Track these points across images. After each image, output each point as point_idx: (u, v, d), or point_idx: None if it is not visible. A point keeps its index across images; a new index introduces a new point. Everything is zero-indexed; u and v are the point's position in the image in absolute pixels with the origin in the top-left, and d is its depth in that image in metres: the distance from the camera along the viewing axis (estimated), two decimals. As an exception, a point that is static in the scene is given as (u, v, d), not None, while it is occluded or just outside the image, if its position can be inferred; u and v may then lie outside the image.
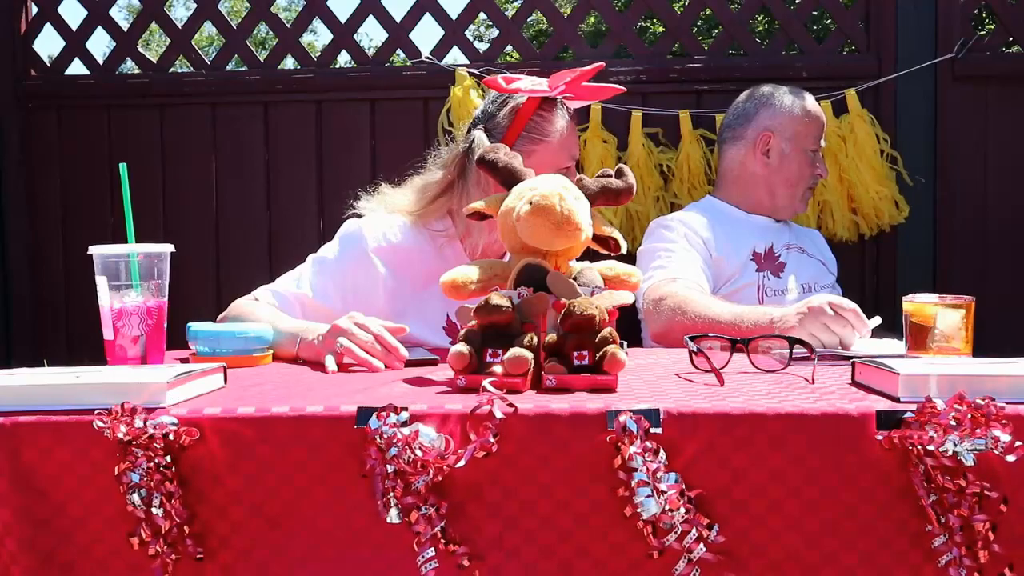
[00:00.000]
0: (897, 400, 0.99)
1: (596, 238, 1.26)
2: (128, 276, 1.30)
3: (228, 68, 2.65)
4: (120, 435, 0.94)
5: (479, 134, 1.67)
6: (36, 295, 2.67)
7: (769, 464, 0.94)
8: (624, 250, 1.29)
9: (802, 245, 2.19)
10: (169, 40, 2.65)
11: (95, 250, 1.32)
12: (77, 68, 2.67)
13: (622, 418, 0.93)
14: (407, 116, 2.54)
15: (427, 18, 2.60)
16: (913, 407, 0.94)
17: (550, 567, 0.95)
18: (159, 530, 0.95)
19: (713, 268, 2.02)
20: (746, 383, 1.14)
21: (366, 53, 2.63)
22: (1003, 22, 2.49)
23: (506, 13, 2.67)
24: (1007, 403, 0.93)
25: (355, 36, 2.65)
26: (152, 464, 0.95)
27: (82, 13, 2.63)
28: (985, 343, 1.37)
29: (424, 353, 1.45)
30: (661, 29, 2.65)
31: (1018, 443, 0.88)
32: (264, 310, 1.61)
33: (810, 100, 2.16)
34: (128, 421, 0.95)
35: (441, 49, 2.57)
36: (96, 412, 0.96)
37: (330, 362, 1.34)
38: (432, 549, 0.93)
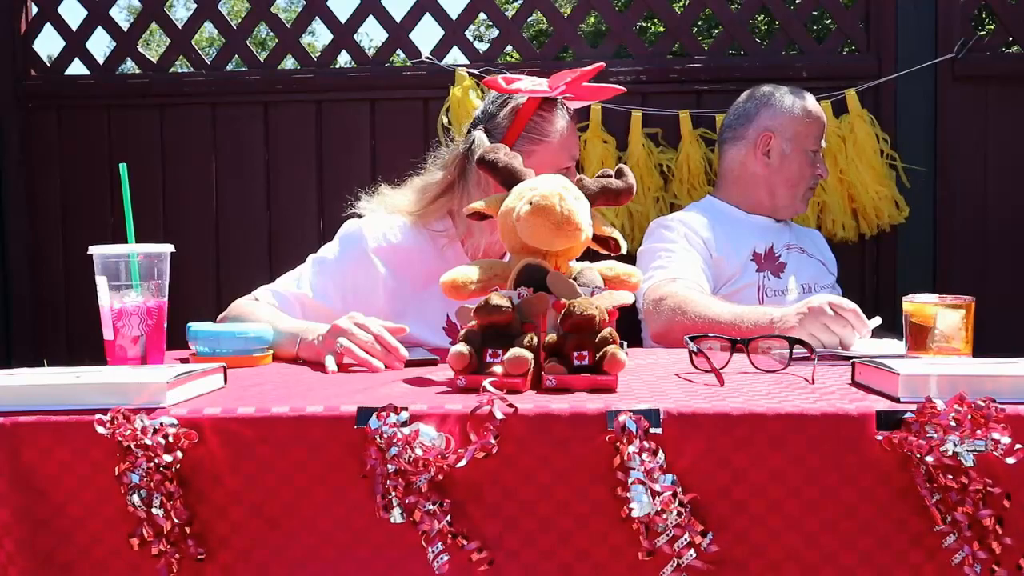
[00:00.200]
0: (897, 400, 0.99)
1: (596, 238, 1.26)
2: (128, 276, 1.30)
3: (228, 68, 2.65)
4: (121, 439, 0.94)
5: (479, 134, 1.67)
6: (36, 295, 2.67)
7: (769, 464, 0.94)
8: (624, 250, 1.29)
9: (802, 245, 2.19)
10: (169, 40, 2.65)
11: (95, 250, 1.32)
12: (77, 68, 2.68)
13: (622, 418, 0.93)
14: (407, 116, 2.54)
15: (427, 18, 2.60)
16: (913, 407, 0.94)
17: (550, 568, 0.95)
18: (161, 530, 0.95)
19: (713, 268, 2.02)
20: (746, 383, 1.14)
21: (366, 53, 2.63)
22: (1003, 22, 2.49)
23: (506, 13, 2.67)
24: (1007, 403, 0.93)
25: (355, 36, 2.65)
26: (152, 464, 0.95)
27: (82, 13, 2.63)
28: (985, 343, 1.37)
29: (424, 353, 1.45)
30: (661, 29, 2.65)
31: (1018, 445, 0.88)
32: (264, 310, 1.61)
33: (811, 100, 2.16)
34: (128, 424, 0.95)
35: (441, 49, 2.57)
36: (96, 417, 0.96)
37: (330, 362, 1.34)
38: (441, 544, 0.93)
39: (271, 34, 3.34)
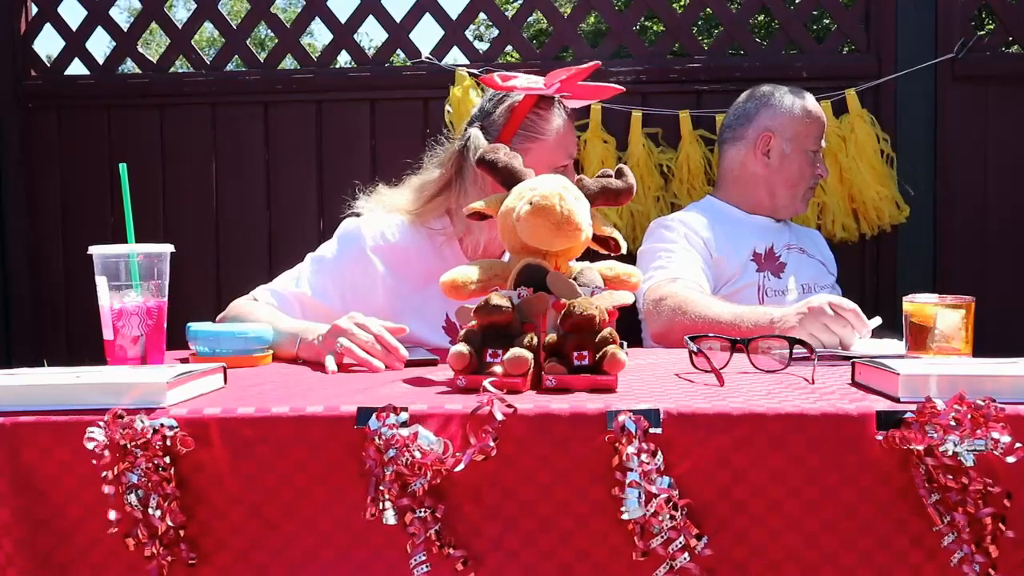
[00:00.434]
0: (897, 400, 0.99)
1: (596, 238, 1.26)
2: (128, 276, 1.30)
3: (228, 68, 2.65)
4: (118, 438, 0.94)
5: (475, 132, 1.67)
6: (36, 295, 2.67)
7: (769, 464, 0.94)
8: (624, 250, 1.29)
9: (802, 245, 2.19)
10: (169, 40, 2.65)
11: (95, 250, 1.32)
12: (77, 68, 2.68)
13: (621, 418, 0.93)
14: (407, 116, 2.54)
15: (427, 18, 2.60)
16: (913, 407, 0.94)
17: (550, 568, 0.95)
18: (155, 531, 0.95)
19: (713, 268, 2.02)
20: (746, 383, 1.14)
21: (366, 53, 2.63)
22: (1003, 22, 2.49)
23: (506, 13, 2.67)
24: (1007, 403, 0.93)
25: (355, 36, 2.65)
26: (151, 465, 0.95)
27: (82, 13, 2.63)
28: (985, 343, 1.37)
29: (424, 353, 1.45)
30: (661, 28, 2.65)
31: (1018, 444, 0.88)
32: (263, 310, 1.61)
33: (811, 100, 2.16)
34: (127, 429, 0.95)
35: (441, 49, 2.57)
36: (94, 422, 0.96)
37: (330, 362, 1.34)
38: (424, 554, 0.93)
39: (271, 34, 3.34)
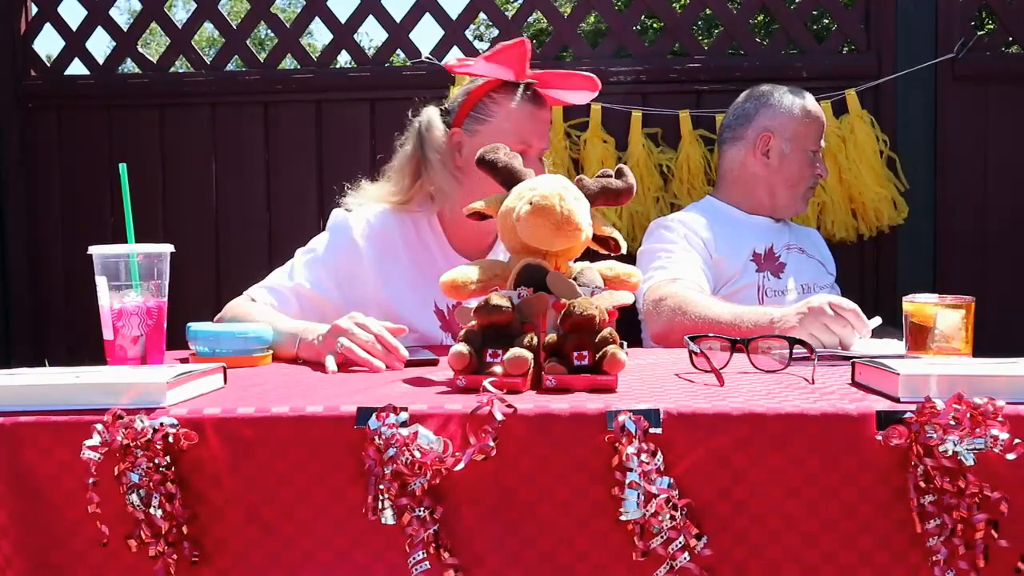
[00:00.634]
0: (897, 400, 0.99)
1: (596, 238, 1.26)
2: (128, 276, 1.30)
3: (228, 68, 2.65)
4: (119, 438, 0.94)
5: (431, 109, 1.76)
6: (36, 295, 2.67)
7: (769, 464, 0.94)
8: (624, 250, 1.29)
9: (802, 245, 2.19)
10: (169, 40, 2.65)
11: (95, 250, 1.32)
12: (77, 68, 2.68)
13: (621, 418, 0.93)
14: (407, 116, 2.54)
15: (427, 18, 2.60)
16: (913, 407, 0.94)
17: (550, 569, 0.95)
18: (159, 531, 0.95)
19: (713, 268, 2.02)
20: (746, 383, 1.14)
21: (366, 53, 2.63)
22: (1003, 22, 2.49)
23: (506, 13, 2.67)
24: (1007, 403, 0.93)
25: (355, 36, 2.65)
26: (152, 464, 0.95)
27: (82, 13, 2.63)
28: (985, 343, 1.37)
29: (424, 353, 1.45)
30: (660, 25, 2.65)
31: (1017, 441, 0.88)
32: (262, 311, 1.61)
33: (810, 100, 2.16)
34: (126, 428, 0.95)
35: (441, 49, 2.57)
36: (94, 422, 0.96)
37: (330, 362, 1.34)
38: (422, 552, 0.93)
39: (271, 34, 3.34)
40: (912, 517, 0.92)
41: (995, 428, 0.88)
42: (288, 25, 2.64)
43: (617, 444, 0.93)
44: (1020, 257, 2.47)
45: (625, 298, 1.22)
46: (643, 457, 0.91)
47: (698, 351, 1.23)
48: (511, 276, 1.18)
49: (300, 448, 0.97)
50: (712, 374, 1.16)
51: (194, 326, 1.44)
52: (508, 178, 1.25)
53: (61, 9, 2.65)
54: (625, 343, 1.18)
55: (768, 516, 0.94)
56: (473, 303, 1.14)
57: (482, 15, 2.65)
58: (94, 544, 0.98)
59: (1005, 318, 2.28)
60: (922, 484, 0.91)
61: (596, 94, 1.76)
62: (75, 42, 2.65)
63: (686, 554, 0.91)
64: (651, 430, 0.93)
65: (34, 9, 2.66)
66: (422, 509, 0.93)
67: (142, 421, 0.96)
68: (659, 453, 0.93)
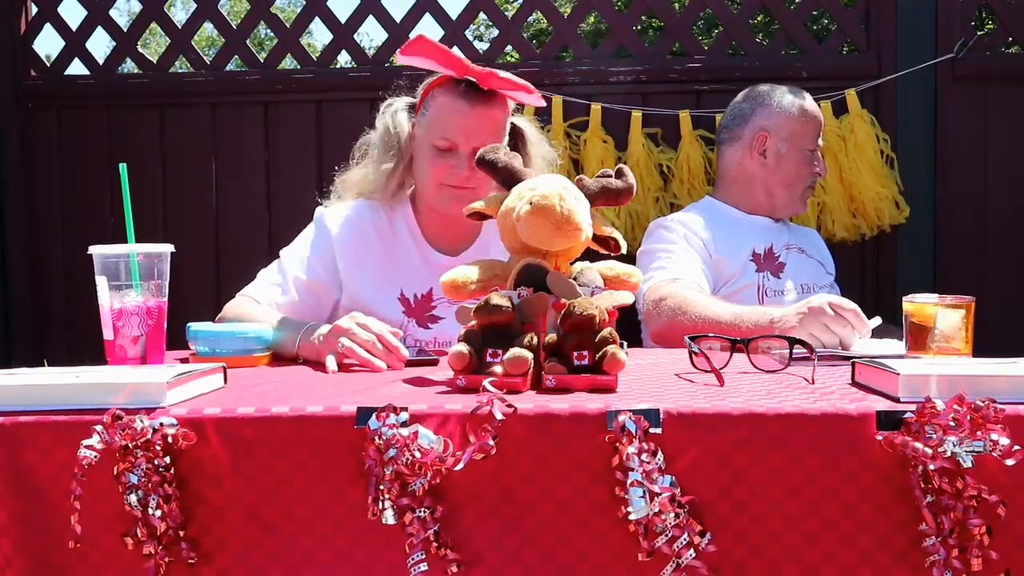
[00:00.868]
0: (897, 400, 0.99)
1: (596, 238, 1.26)
2: (128, 276, 1.30)
3: (228, 68, 2.65)
4: (118, 440, 0.94)
5: (399, 100, 1.82)
6: (36, 295, 2.67)
7: (769, 464, 0.94)
8: (624, 250, 1.29)
9: (801, 245, 2.19)
10: (169, 40, 2.65)
11: (95, 250, 1.32)
12: (77, 68, 2.67)
13: (621, 418, 0.93)
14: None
15: (427, 18, 2.60)
16: (913, 407, 0.94)
17: (550, 569, 0.95)
18: (155, 531, 0.95)
19: (713, 269, 2.02)
20: (746, 383, 1.14)
21: (366, 53, 2.63)
22: (1003, 22, 2.49)
23: (506, 13, 2.67)
24: (1007, 404, 0.93)
25: (355, 36, 2.65)
26: (151, 465, 0.95)
27: (82, 13, 2.63)
28: (985, 343, 1.37)
29: (424, 353, 1.45)
30: (660, 25, 2.65)
31: (1016, 447, 0.88)
32: (262, 310, 1.62)
33: (807, 99, 2.16)
34: (126, 429, 0.95)
35: (441, 49, 2.57)
36: (94, 422, 0.96)
37: (331, 362, 1.34)
38: (422, 552, 0.93)
39: (271, 34, 3.34)
40: (915, 516, 0.92)
41: (995, 432, 0.88)
42: (288, 25, 2.64)
43: (617, 444, 0.93)
44: (1020, 257, 2.47)
45: (625, 298, 1.22)
46: (643, 457, 0.91)
47: (698, 351, 1.23)
48: (511, 276, 1.18)
49: (300, 448, 0.97)
50: (712, 374, 1.16)
51: (194, 326, 1.44)
52: (508, 178, 1.25)
53: (61, 9, 2.65)
54: (625, 343, 1.18)
55: (768, 516, 0.94)
56: (473, 303, 1.14)
57: (482, 15, 2.65)
58: (94, 543, 0.98)
59: (1005, 318, 2.28)
60: (923, 484, 0.91)
61: (539, 97, 1.74)
62: (75, 42, 2.65)
63: (691, 551, 0.91)
64: (651, 430, 0.93)
65: (34, 9, 2.66)
66: (423, 509, 0.93)
67: (142, 421, 0.96)
68: (659, 453, 0.93)
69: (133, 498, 0.94)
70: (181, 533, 0.96)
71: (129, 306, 1.30)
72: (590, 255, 1.27)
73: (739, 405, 0.97)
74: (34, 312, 2.67)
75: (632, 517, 0.90)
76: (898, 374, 1.00)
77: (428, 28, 2.62)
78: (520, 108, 1.89)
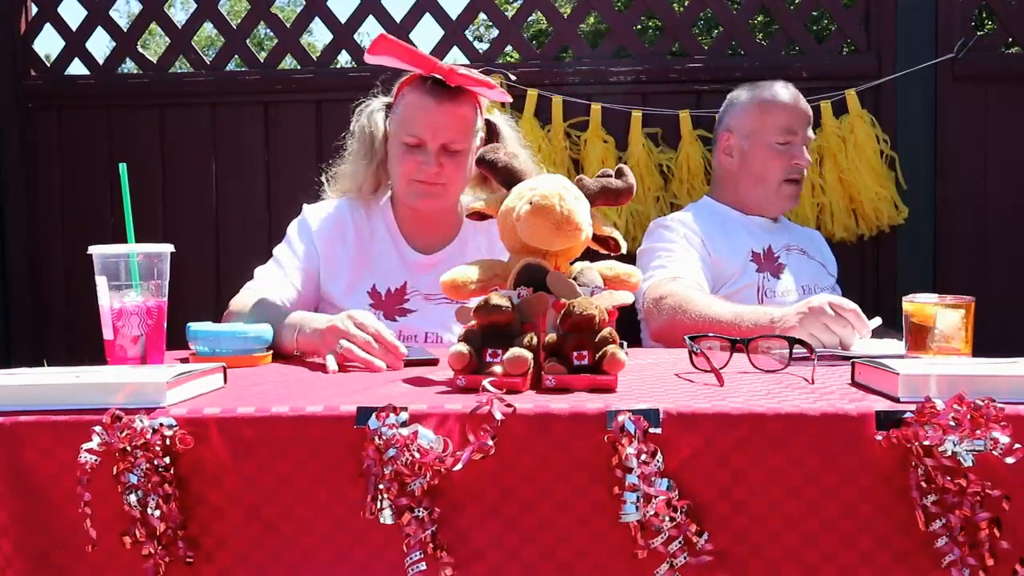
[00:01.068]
0: (897, 400, 0.99)
1: (596, 238, 1.26)
2: (128, 276, 1.30)
3: (228, 68, 2.65)
4: (118, 441, 0.94)
5: (376, 101, 1.85)
6: (36, 295, 2.67)
7: (769, 464, 0.94)
8: (624, 250, 1.29)
9: (802, 246, 2.18)
10: (169, 40, 2.65)
11: (95, 250, 1.32)
12: (77, 68, 2.67)
13: (621, 418, 0.93)
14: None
15: (427, 18, 2.60)
16: (913, 407, 0.94)
17: (550, 567, 0.95)
18: (154, 531, 0.95)
19: (712, 268, 2.02)
20: (746, 383, 1.14)
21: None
22: (1003, 22, 2.49)
23: (506, 13, 2.67)
24: (1007, 403, 0.93)
25: (355, 36, 2.65)
26: (151, 465, 0.95)
27: (82, 13, 2.63)
28: (985, 343, 1.37)
29: (424, 353, 1.45)
30: (660, 25, 2.65)
31: (1017, 445, 0.88)
32: (264, 304, 1.64)
33: (773, 90, 2.14)
34: (125, 430, 0.95)
35: (441, 49, 2.57)
36: (94, 422, 0.96)
37: (331, 362, 1.35)
38: (420, 552, 0.93)
39: (271, 34, 3.34)
40: (915, 516, 0.92)
41: (996, 431, 0.88)
42: (288, 25, 2.64)
43: (617, 444, 0.93)
44: (1020, 257, 2.47)
45: (625, 298, 1.22)
46: (643, 458, 0.91)
47: (698, 351, 1.23)
48: (511, 276, 1.18)
49: (300, 448, 0.97)
50: (712, 374, 1.16)
51: (194, 326, 1.44)
52: (508, 178, 1.25)
53: (61, 9, 2.65)
54: (625, 343, 1.18)
55: (768, 516, 0.94)
56: (473, 303, 1.14)
57: (482, 15, 2.65)
58: (94, 543, 0.97)
59: (1005, 318, 2.28)
60: (924, 484, 0.91)
61: (502, 93, 1.76)
62: (75, 42, 2.65)
63: (686, 553, 0.91)
64: (651, 430, 0.93)
65: (34, 9, 2.66)
66: (421, 510, 0.93)
67: (141, 421, 0.96)
68: (659, 453, 0.93)
69: (133, 498, 0.94)
70: (180, 533, 0.96)
71: (129, 306, 1.30)
72: (590, 255, 1.27)
73: (739, 405, 0.97)
74: (34, 312, 2.67)
75: (623, 520, 0.90)
76: (898, 374, 1.00)
77: (428, 28, 2.63)
78: (515, 107, 1.88)
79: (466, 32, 2.59)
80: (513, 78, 2.47)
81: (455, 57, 2.60)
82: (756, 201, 2.15)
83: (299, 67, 2.66)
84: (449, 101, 1.72)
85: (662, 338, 1.78)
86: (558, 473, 0.95)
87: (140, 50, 2.67)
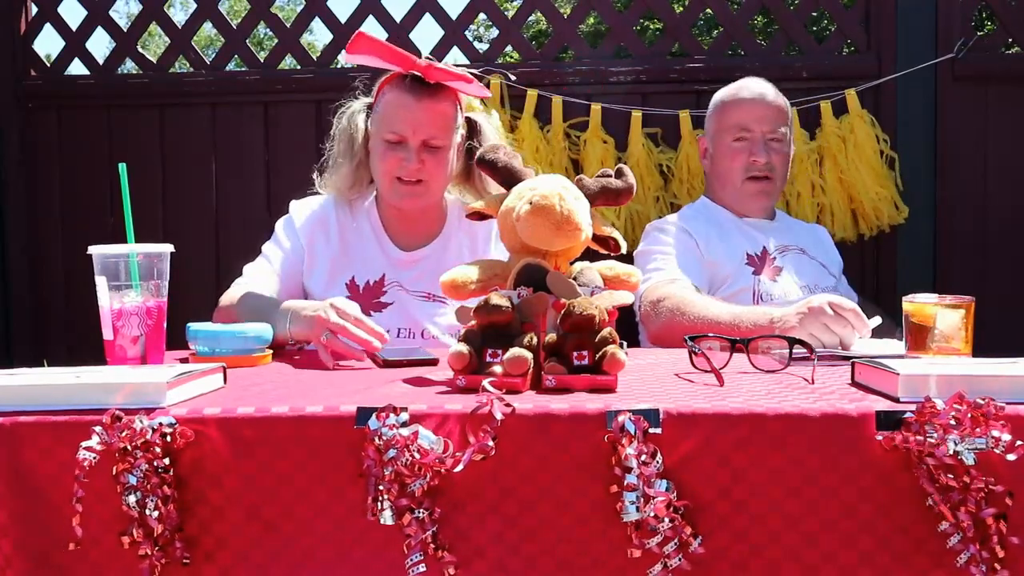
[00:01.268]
0: (897, 400, 0.99)
1: (596, 238, 1.26)
2: (128, 276, 1.30)
3: (228, 68, 2.65)
4: (118, 441, 0.94)
5: (357, 102, 1.88)
6: (36, 295, 2.67)
7: (769, 464, 0.94)
8: (624, 250, 1.29)
9: (802, 246, 2.15)
10: (169, 40, 2.65)
11: (95, 250, 1.32)
12: (77, 68, 2.67)
13: (621, 418, 0.93)
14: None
15: (427, 18, 2.60)
16: (913, 407, 0.94)
17: (550, 561, 0.95)
18: (151, 532, 0.95)
19: (707, 270, 2.01)
20: (746, 383, 1.14)
21: (366, 53, 2.62)
22: (1003, 22, 2.49)
23: (506, 13, 2.67)
24: (1007, 403, 0.93)
25: (355, 36, 2.65)
26: (150, 466, 0.95)
27: (82, 13, 2.63)
28: (985, 343, 1.37)
29: (424, 353, 1.45)
30: (660, 25, 2.65)
31: (1018, 442, 0.88)
32: (251, 296, 1.69)
33: (734, 88, 2.14)
34: (125, 431, 0.95)
35: (441, 49, 2.57)
36: (94, 422, 0.96)
37: (324, 356, 1.38)
38: (420, 554, 0.93)
39: (271, 34, 3.34)
40: (915, 517, 0.92)
41: (996, 429, 0.88)
42: (288, 25, 2.64)
43: (617, 444, 0.93)
44: (1020, 257, 2.47)
45: (625, 298, 1.22)
46: (643, 458, 0.91)
47: (698, 351, 1.23)
48: (511, 276, 1.18)
49: (300, 448, 0.97)
50: (712, 374, 1.16)
51: (194, 326, 1.44)
52: (508, 178, 1.25)
53: (61, 9, 2.65)
54: (625, 343, 1.18)
55: (768, 516, 0.94)
56: (473, 303, 1.14)
57: (482, 15, 2.65)
58: (94, 543, 0.98)
59: (1005, 318, 2.27)
60: (932, 483, 0.91)
61: (482, 88, 1.77)
62: (75, 42, 2.65)
63: (680, 556, 0.91)
64: (651, 430, 0.93)
65: (34, 9, 2.66)
66: (421, 510, 0.93)
67: (141, 421, 0.96)
68: (659, 453, 0.93)
69: (132, 499, 0.94)
70: (177, 534, 0.96)
71: (129, 306, 1.30)
72: (590, 255, 1.27)
73: (739, 405, 0.97)
74: (34, 312, 2.67)
75: (624, 519, 0.90)
76: (898, 374, 1.00)
77: (428, 28, 2.63)
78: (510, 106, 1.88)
79: (466, 32, 2.59)
80: (513, 78, 2.47)
81: (455, 57, 2.60)
82: (729, 202, 2.14)
83: (299, 67, 2.66)
84: (428, 98, 1.74)
85: (661, 340, 1.77)
86: (558, 473, 0.95)
87: (140, 50, 2.67)
